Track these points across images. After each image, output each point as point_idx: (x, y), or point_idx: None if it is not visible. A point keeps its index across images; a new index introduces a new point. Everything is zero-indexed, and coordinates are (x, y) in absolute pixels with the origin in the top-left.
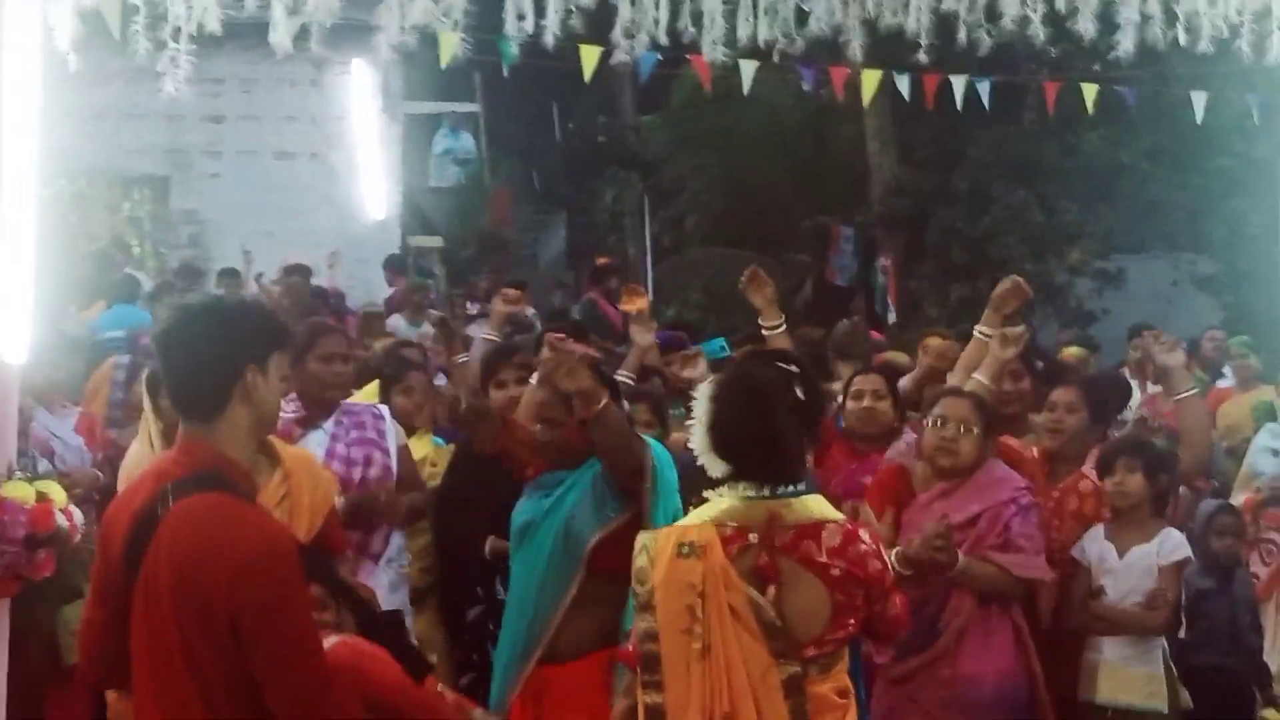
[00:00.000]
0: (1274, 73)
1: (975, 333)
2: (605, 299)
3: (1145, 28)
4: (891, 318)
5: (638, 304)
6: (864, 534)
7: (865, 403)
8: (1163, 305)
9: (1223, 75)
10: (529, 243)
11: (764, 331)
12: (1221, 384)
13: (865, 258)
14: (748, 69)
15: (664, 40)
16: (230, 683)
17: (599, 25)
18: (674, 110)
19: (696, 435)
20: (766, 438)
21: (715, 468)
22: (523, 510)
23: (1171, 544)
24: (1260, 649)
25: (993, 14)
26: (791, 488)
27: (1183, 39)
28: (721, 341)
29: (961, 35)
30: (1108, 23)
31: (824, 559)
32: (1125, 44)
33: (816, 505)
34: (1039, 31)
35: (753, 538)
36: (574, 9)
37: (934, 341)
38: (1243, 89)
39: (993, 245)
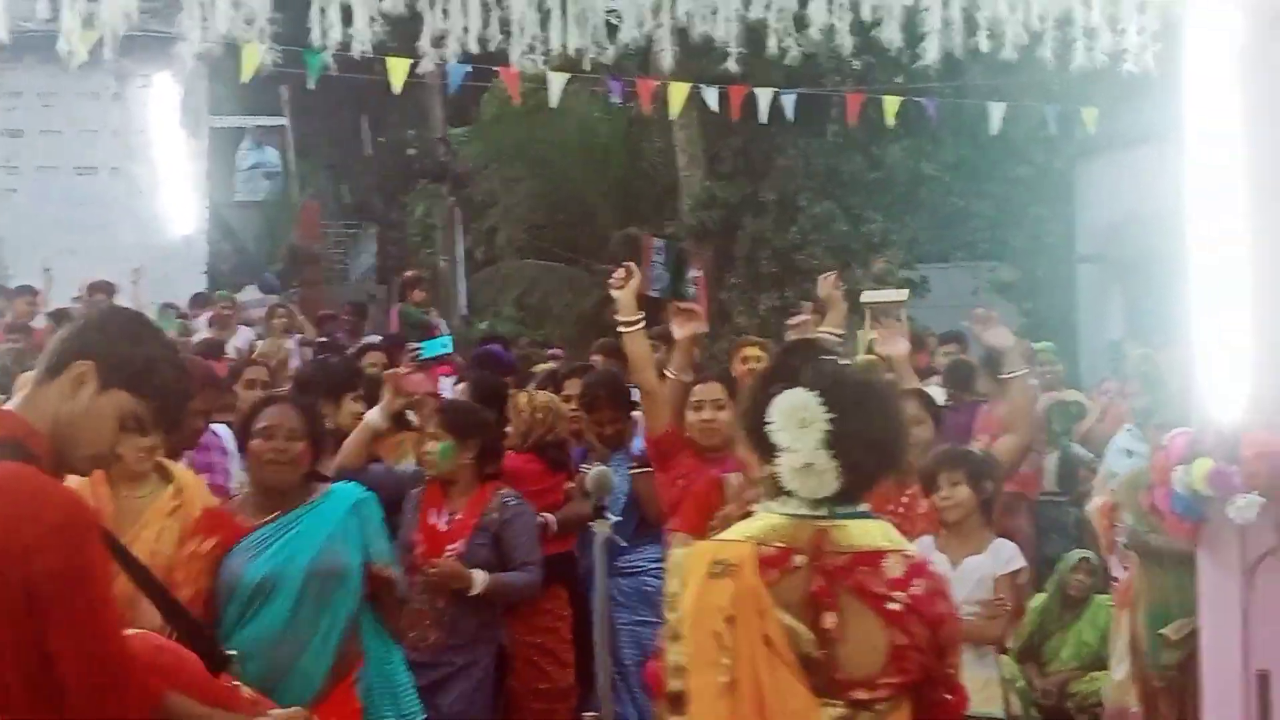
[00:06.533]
0: (1070, 83)
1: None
2: None
3: (948, 35)
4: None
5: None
6: (933, 568)
7: (705, 414)
8: (965, 313)
9: (1020, 86)
10: (339, 257)
11: (620, 328)
12: None
13: (676, 269)
14: (556, 81)
15: (474, 48)
16: (21, 662)
17: (409, 36)
18: (484, 124)
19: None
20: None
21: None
22: (255, 567)
23: (1007, 554)
24: None
25: (801, 23)
26: (850, 508)
27: (985, 46)
28: (446, 339)
29: (771, 44)
30: (912, 34)
31: (882, 590)
32: (931, 52)
33: (879, 530)
34: (845, 41)
35: (799, 560)
36: (379, 18)
37: (751, 350)
38: (1041, 99)
39: (800, 255)
